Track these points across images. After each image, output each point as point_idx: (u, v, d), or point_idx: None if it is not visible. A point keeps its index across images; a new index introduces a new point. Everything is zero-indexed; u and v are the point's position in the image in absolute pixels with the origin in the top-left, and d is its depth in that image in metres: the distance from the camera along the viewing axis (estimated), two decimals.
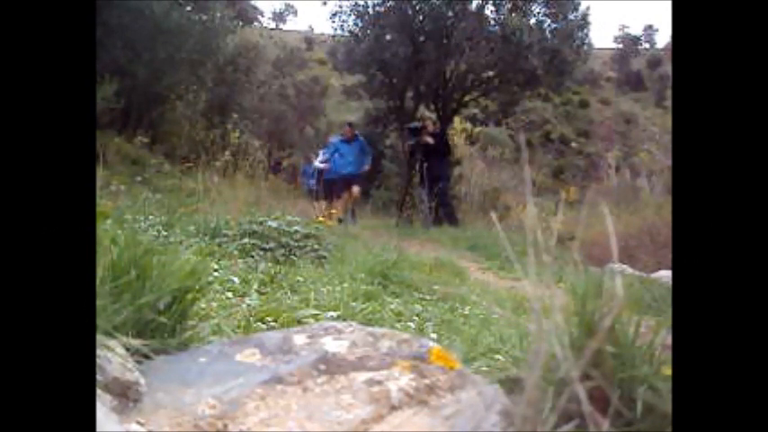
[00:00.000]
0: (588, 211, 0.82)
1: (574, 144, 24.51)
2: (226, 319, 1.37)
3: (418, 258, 4.08)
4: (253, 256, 2.66)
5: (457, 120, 12.81)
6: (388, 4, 11.01)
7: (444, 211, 9.06)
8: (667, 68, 29.38)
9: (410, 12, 10.82)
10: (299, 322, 1.55)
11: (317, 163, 9.87)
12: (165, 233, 2.69)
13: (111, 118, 8.25)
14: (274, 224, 2.95)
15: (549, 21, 10.94)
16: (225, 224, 3.01)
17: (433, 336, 1.71)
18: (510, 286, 3.74)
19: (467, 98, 11.87)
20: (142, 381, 0.78)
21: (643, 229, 5.34)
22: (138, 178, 6.33)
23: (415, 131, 9.00)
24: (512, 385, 0.79)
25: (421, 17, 10.79)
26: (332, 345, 0.88)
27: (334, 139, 9.73)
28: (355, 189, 8.97)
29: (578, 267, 0.77)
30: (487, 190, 11.67)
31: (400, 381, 0.79)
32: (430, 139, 8.94)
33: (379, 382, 0.78)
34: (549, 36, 10.70)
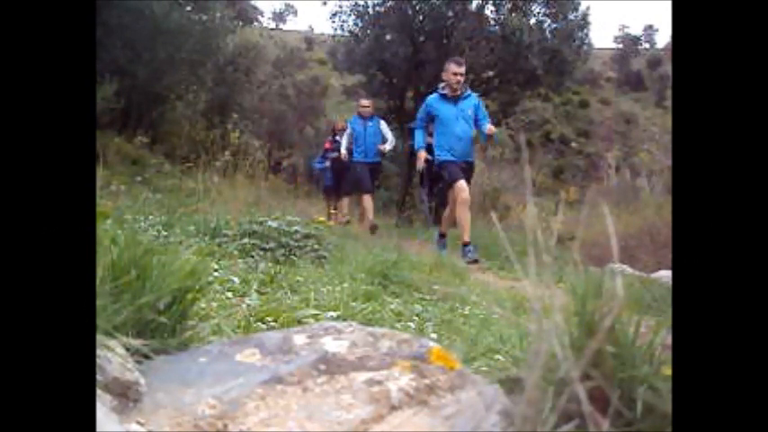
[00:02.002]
0: (588, 211, 0.82)
1: (574, 144, 24.50)
2: (226, 319, 1.37)
3: (418, 258, 4.08)
4: (253, 256, 2.66)
5: None
6: (388, 4, 11.02)
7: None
8: (667, 68, 29.38)
9: (410, 12, 10.83)
10: (299, 322, 1.55)
11: (343, 149, 7.24)
12: (165, 233, 2.69)
13: (111, 118, 8.25)
14: (274, 224, 2.95)
15: (549, 21, 10.96)
16: (225, 224, 3.01)
17: (433, 336, 1.71)
18: (510, 286, 3.75)
19: None
20: (142, 381, 0.78)
21: (643, 229, 5.34)
22: (138, 178, 6.33)
23: None
24: (512, 385, 0.79)
25: (421, 17, 10.80)
26: (332, 345, 0.88)
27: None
28: (461, 188, 4.93)
29: (578, 267, 0.77)
30: (487, 190, 11.67)
31: (400, 381, 0.79)
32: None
33: (379, 382, 0.78)
34: (549, 36, 10.72)
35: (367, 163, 7.09)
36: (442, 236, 5.45)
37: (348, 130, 7.34)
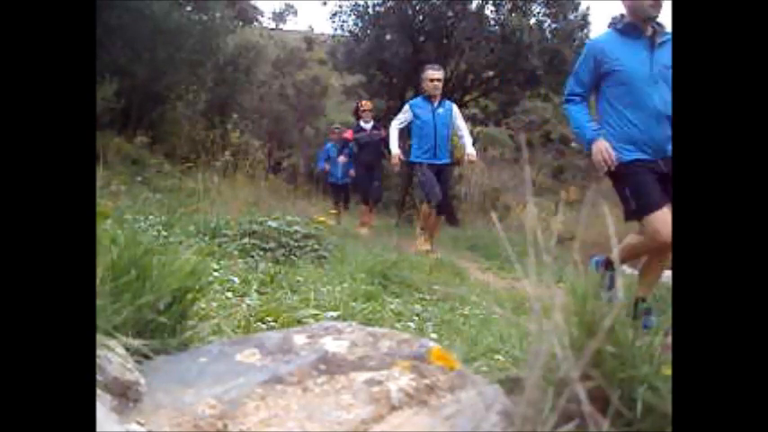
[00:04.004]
0: (588, 211, 0.82)
1: (574, 144, 24.48)
2: (226, 319, 1.37)
3: (418, 258, 4.08)
4: (253, 256, 2.66)
5: None
6: (388, 4, 11.03)
7: (444, 212, 9.04)
8: None
9: (410, 12, 10.85)
10: (299, 322, 1.55)
11: (394, 145, 5.05)
12: (165, 233, 2.69)
13: (111, 118, 8.24)
14: (274, 224, 2.96)
15: (548, 21, 10.97)
16: (225, 224, 3.01)
17: (433, 336, 1.71)
18: (510, 286, 3.75)
19: (467, 98, 11.88)
20: (142, 381, 0.78)
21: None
22: (138, 178, 6.33)
23: None
24: (512, 385, 0.79)
25: (421, 17, 10.82)
26: (332, 345, 0.88)
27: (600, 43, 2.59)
28: (664, 222, 2.04)
29: (578, 267, 0.77)
30: (487, 190, 11.69)
31: (400, 381, 0.79)
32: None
33: (379, 382, 0.78)
34: (548, 36, 10.73)
35: (436, 165, 4.87)
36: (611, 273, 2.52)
37: (405, 115, 5.05)
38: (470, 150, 4.96)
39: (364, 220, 6.83)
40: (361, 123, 7.16)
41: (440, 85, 4.98)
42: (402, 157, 5.24)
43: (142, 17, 8.33)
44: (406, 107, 5.18)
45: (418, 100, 5.13)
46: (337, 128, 8.87)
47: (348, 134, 7.39)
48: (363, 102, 7.52)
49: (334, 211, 7.01)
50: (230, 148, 5.23)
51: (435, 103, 4.97)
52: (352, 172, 7.91)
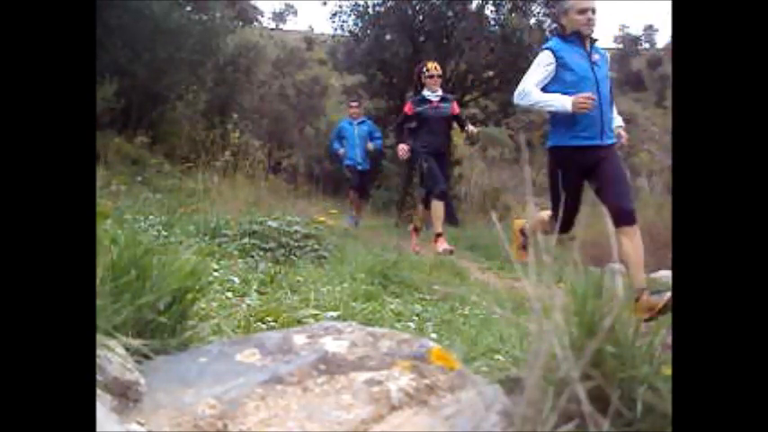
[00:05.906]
0: (588, 211, 0.82)
1: None
2: (226, 319, 1.37)
3: (418, 258, 4.08)
4: (253, 256, 2.66)
5: None
6: (388, 4, 11.04)
7: (444, 211, 9.04)
8: (667, 68, 29.37)
9: (410, 12, 10.86)
10: (299, 322, 1.55)
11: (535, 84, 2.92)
12: (165, 233, 2.69)
13: (111, 118, 8.23)
14: (274, 224, 2.96)
15: (548, 21, 10.98)
16: (225, 224, 3.01)
17: (433, 336, 1.71)
18: (510, 286, 3.75)
19: (467, 98, 11.87)
20: (142, 381, 0.78)
21: (643, 229, 5.35)
22: (138, 178, 6.33)
23: None
24: (512, 385, 0.79)
25: (421, 17, 10.83)
26: (332, 345, 0.88)
27: None
28: None
29: (578, 267, 0.77)
30: (487, 190, 11.68)
31: (400, 381, 0.79)
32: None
33: (379, 382, 0.78)
34: (548, 36, 10.73)
35: (601, 147, 2.98)
36: None
37: (548, 67, 3.00)
38: (619, 123, 3.18)
39: (439, 236, 4.77)
40: (425, 93, 4.96)
41: (595, 19, 3.04)
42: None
43: (142, 17, 8.33)
44: (546, 53, 3.05)
45: (557, 41, 3.11)
46: (355, 101, 7.93)
47: (407, 107, 5.08)
48: (429, 64, 5.06)
49: (334, 212, 6.64)
50: (230, 148, 5.21)
51: (592, 55, 3.05)
52: (370, 145, 6.68)
